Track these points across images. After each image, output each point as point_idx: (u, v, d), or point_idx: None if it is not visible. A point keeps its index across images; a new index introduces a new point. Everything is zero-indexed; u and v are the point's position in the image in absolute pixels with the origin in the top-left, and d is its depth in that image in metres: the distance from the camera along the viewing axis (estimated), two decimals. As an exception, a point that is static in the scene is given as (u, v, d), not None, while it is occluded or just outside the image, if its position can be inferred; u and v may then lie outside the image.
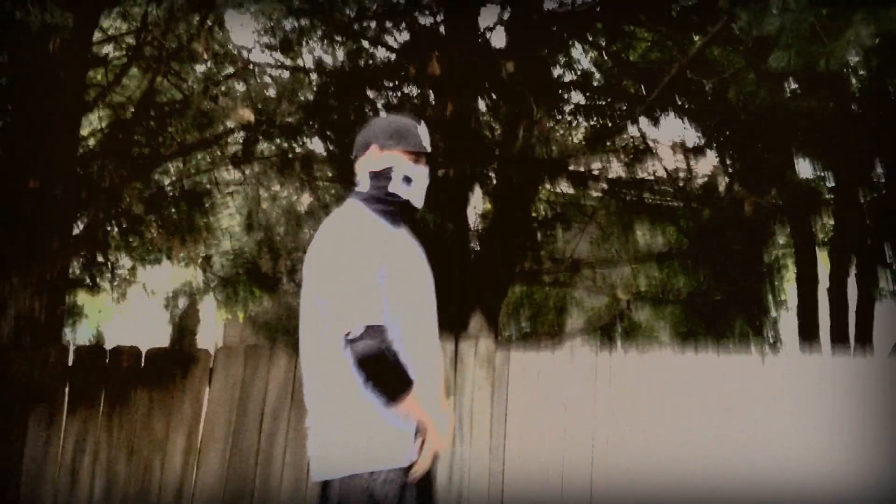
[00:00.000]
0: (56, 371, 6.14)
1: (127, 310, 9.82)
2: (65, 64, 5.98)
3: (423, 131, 3.17)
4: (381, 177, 3.08)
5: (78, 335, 7.32)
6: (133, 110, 6.55)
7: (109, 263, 6.81)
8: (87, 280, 7.01)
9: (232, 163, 6.47)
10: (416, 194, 3.14)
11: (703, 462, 5.94)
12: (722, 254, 9.11)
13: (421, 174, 3.13)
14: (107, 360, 6.25)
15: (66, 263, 6.38)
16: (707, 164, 10.07)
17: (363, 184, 3.14)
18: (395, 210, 3.12)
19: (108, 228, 6.42)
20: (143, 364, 6.27)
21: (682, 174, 9.67)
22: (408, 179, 3.09)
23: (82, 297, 7.37)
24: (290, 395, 6.27)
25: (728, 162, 9.74)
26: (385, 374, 2.81)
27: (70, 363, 6.21)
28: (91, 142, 6.31)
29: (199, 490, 6.16)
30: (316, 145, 6.87)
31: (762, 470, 5.91)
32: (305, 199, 6.85)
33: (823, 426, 5.95)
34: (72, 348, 6.22)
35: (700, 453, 5.97)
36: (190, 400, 6.24)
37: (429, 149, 3.16)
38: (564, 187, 8.59)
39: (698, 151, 9.55)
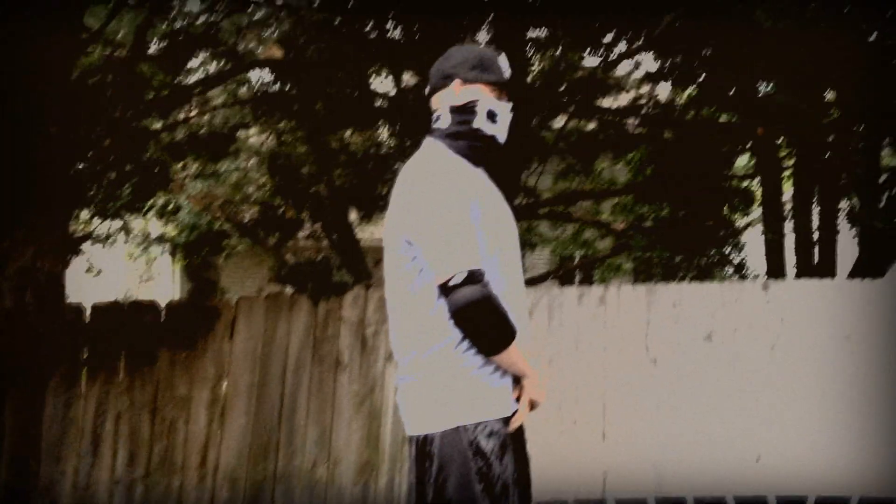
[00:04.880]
0: (73, 331, 5.84)
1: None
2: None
3: (504, 62, 3.03)
4: (465, 112, 2.92)
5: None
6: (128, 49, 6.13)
7: (121, 215, 6.39)
8: (97, 233, 6.61)
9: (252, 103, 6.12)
10: (500, 130, 3.01)
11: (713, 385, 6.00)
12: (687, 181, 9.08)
13: (505, 109, 2.99)
14: (125, 318, 5.98)
15: (71, 216, 6.00)
16: (663, 92, 10.10)
17: (443, 120, 2.97)
18: (479, 148, 2.98)
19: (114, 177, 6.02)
20: (163, 319, 6.02)
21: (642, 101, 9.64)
22: (492, 115, 2.94)
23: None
24: (311, 346, 6.14)
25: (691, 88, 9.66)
26: (488, 322, 2.69)
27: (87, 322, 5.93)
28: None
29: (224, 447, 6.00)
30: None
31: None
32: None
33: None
34: (88, 306, 5.91)
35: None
36: (213, 354, 6.05)
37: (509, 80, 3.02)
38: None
39: (655, 79, 9.52)
